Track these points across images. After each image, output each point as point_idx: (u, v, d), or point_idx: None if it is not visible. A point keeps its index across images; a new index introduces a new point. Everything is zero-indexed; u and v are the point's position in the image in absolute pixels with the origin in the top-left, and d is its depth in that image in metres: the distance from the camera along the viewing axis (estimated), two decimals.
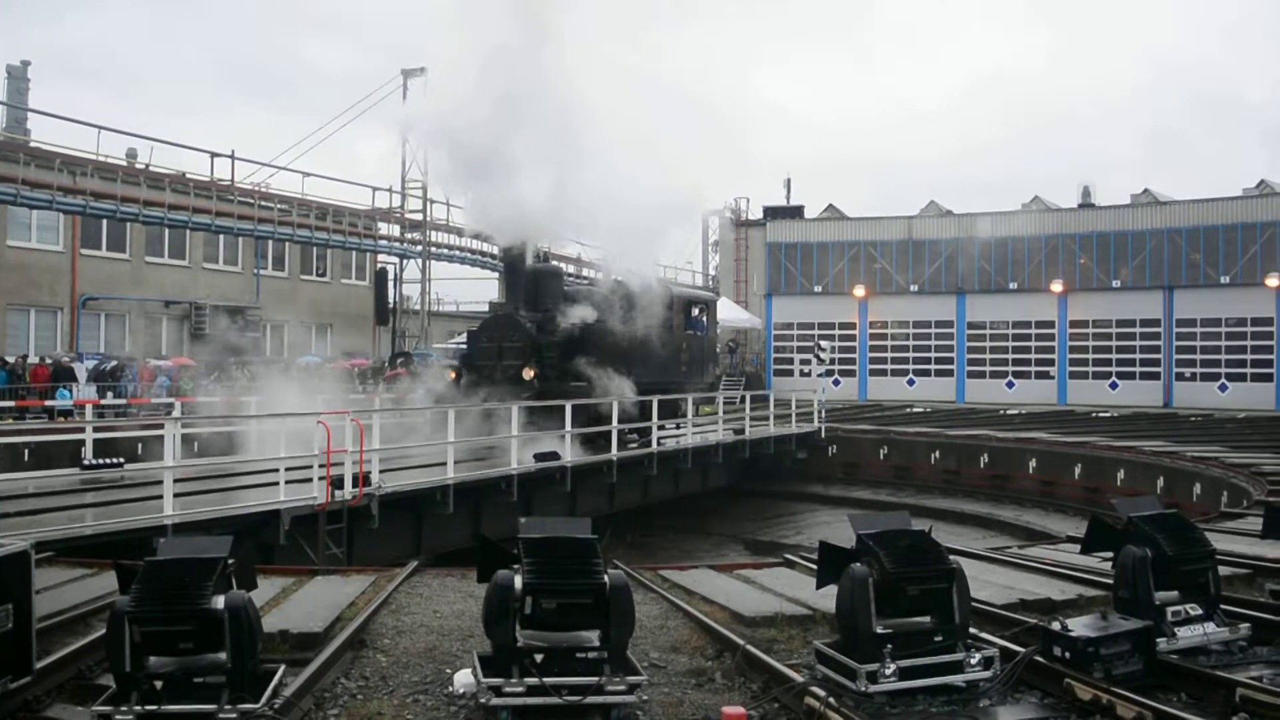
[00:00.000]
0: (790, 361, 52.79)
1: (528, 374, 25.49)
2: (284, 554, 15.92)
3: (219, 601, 7.06)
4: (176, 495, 14.99)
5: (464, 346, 48.65)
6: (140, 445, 23.73)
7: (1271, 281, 42.90)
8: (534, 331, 26.19)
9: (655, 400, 26.24)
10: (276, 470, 16.70)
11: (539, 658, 7.48)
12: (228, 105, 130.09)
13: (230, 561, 7.45)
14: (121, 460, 20.86)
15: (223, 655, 7.03)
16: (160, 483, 15.09)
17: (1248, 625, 9.42)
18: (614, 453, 24.32)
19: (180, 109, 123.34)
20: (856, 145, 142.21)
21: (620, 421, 25.02)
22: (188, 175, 40.26)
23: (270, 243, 45.32)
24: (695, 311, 32.08)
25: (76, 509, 16.29)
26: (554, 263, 31.84)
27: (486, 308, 64.04)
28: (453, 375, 26.82)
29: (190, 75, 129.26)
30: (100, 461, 20.49)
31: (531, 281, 27.29)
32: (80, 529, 14.29)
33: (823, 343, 48.53)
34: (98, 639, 8.37)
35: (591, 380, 25.90)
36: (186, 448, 20.43)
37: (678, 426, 29.23)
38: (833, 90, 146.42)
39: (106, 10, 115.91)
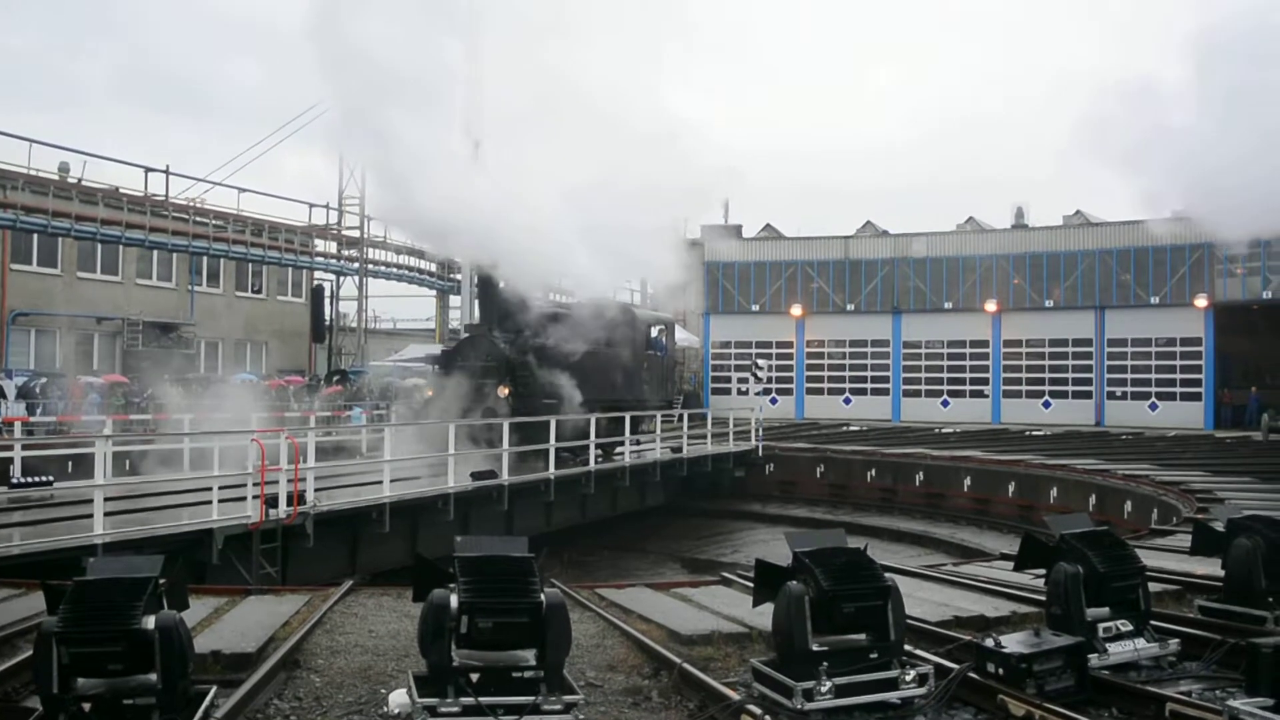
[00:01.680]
0: (728, 380, 53.03)
1: (502, 392, 26.11)
2: (217, 573, 15.73)
3: (149, 622, 6.95)
4: (107, 514, 14.79)
5: (406, 365, 48.76)
6: (70, 463, 23.36)
7: (1200, 302, 43.69)
8: (508, 351, 26.83)
9: (594, 418, 26.29)
10: (210, 489, 16.53)
11: (475, 677, 7.44)
12: (144, 119, 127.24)
13: (161, 581, 7.35)
14: (51, 478, 20.52)
15: (153, 676, 6.93)
16: (90, 501, 14.88)
17: (1177, 641, 9.57)
18: (551, 471, 24.28)
19: (90, 121, 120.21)
20: (793, 170, 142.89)
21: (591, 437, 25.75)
22: (121, 190, 39.81)
23: (205, 259, 44.85)
24: (655, 332, 33.00)
25: (4, 528, 16.01)
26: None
27: (424, 324, 64.22)
28: (430, 393, 27.38)
29: (101, 88, 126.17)
30: (29, 480, 20.16)
31: (504, 302, 27.86)
32: (7, 549, 14.06)
33: (760, 361, 48.88)
34: (24, 660, 8.25)
35: (562, 398, 26.62)
36: (118, 466, 20.17)
37: (638, 442, 29.99)
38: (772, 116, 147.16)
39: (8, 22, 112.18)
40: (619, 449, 28.85)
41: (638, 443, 29.92)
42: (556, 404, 26.40)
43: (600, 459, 27.37)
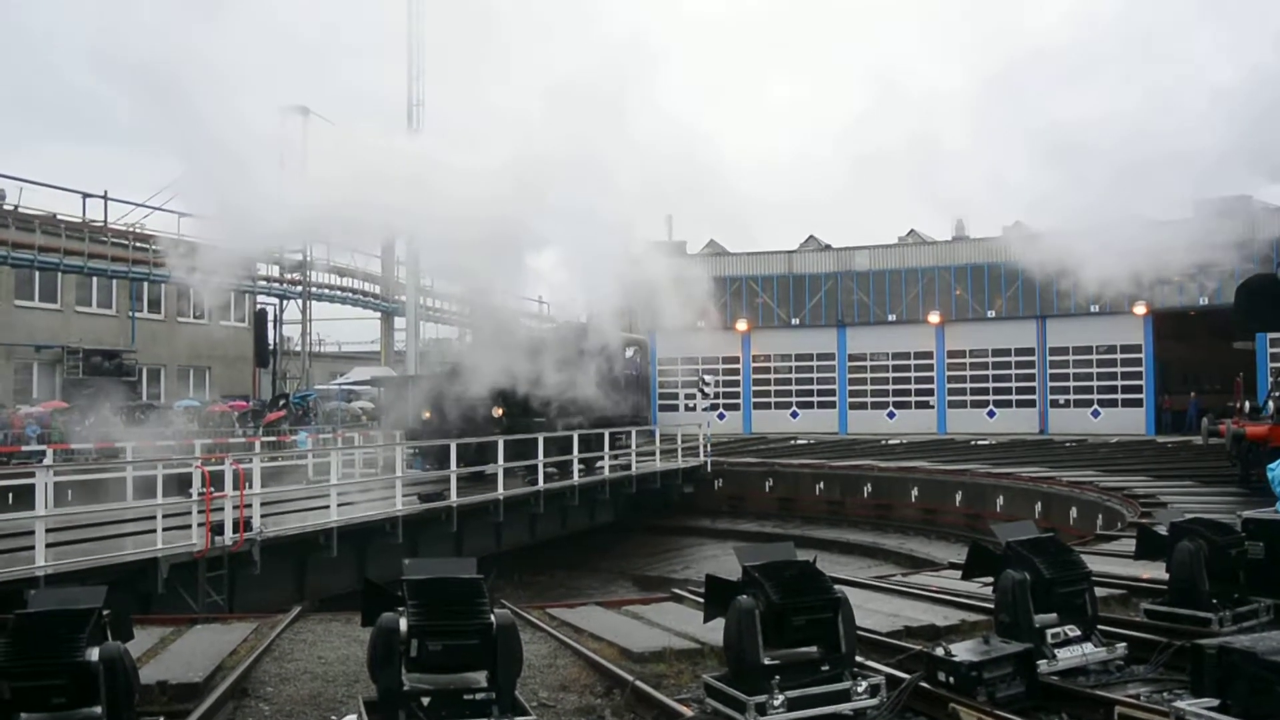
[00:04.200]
0: (675, 396, 53.00)
1: (497, 412, 27.80)
2: (163, 603, 15.58)
3: (93, 654, 6.86)
4: (49, 545, 14.59)
5: (351, 387, 48.69)
6: (10, 495, 23.01)
7: (1139, 309, 44.18)
8: (499, 373, 28.00)
9: (541, 437, 26.28)
10: (154, 517, 16.34)
11: (426, 701, 7.40)
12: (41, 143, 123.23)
13: (105, 612, 7.26)
14: None
15: (98, 709, 6.83)
16: (32, 533, 14.66)
17: (1124, 645, 9.67)
18: (500, 491, 24.24)
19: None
20: (732, 184, 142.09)
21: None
22: (59, 216, 39.33)
23: (145, 285, 44.35)
24: (631, 352, 34.89)
25: None
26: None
27: (369, 347, 63.85)
28: (428, 415, 28.53)
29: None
30: None
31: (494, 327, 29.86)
32: None
33: (706, 377, 48.83)
34: None
35: (550, 417, 28.47)
36: (60, 496, 19.89)
37: (615, 457, 31.31)
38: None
39: None
40: (599, 462, 30.31)
41: (615, 457, 31.40)
42: (545, 422, 28.17)
43: (583, 473, 28.66)
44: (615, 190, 27.94)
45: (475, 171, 25.05)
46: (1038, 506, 27.84)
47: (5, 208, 38.96)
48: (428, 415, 28.56)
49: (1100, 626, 9.78)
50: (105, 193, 41.08)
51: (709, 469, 36.32)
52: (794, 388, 52.30)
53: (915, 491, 33.07)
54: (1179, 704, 7.45)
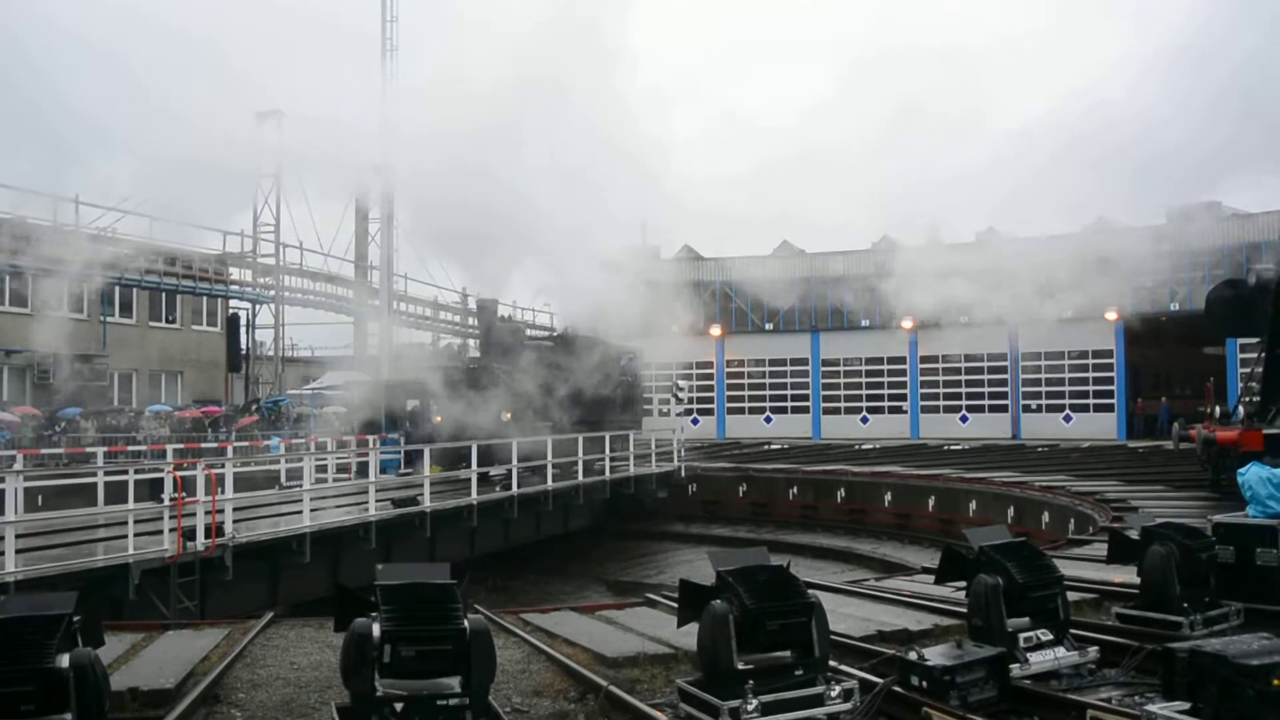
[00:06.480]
0: (649, 401, 52.97)
1: (505, 416, 28.69)
2: (134, 609, 15.46)
3: (63, 660, 6.81)
4: (19, 551, 14.47)
5: (324, 391, 48.73)
6: None
7: (1110, 315, 44.37)
8: (508, 380, 29.48)
9: (514, 442, 26.22)
10: (125, 522, 16.22)
11: (399, 707, 7.37)
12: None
13: (75, 618, 7.20)
14: None
15: (68, 716, 6.78)
16: (1, 539, 14.54)
17: (1096, 648, 9.73)
18: (474, 496, 24.17)
19: None
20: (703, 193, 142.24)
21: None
22: (29, 220, 39.00)
23: (117, 289, 44.01)
24: (625, 360, 35.98)
25: None
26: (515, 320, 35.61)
27: (343, 351, 63.67)
28: (438, 419, 29.60)
29: None
30: None
31: (502, 336, 31.52)
32: None
33: (681, 382, 48.86)
34: None
35: (555, 420, 29.87)
36: (30, 501, 19.75)
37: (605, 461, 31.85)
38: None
39: None
40: (598, 464, 31.06)
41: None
42: (550, 426, 29.51)
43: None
44: (600, 185, 28.61)
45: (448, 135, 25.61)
46: (1010, 511, 27.96)
47: None
48: (439, 419, 29.53)
49: (1072, 630, 9.83)
50: (76, 196, 40.77)
51: (683, 474, 36.29)
52: (768, 393, 52.40)
53: (889, 496, 33.18)
54: (1150, 707, 7.50)
